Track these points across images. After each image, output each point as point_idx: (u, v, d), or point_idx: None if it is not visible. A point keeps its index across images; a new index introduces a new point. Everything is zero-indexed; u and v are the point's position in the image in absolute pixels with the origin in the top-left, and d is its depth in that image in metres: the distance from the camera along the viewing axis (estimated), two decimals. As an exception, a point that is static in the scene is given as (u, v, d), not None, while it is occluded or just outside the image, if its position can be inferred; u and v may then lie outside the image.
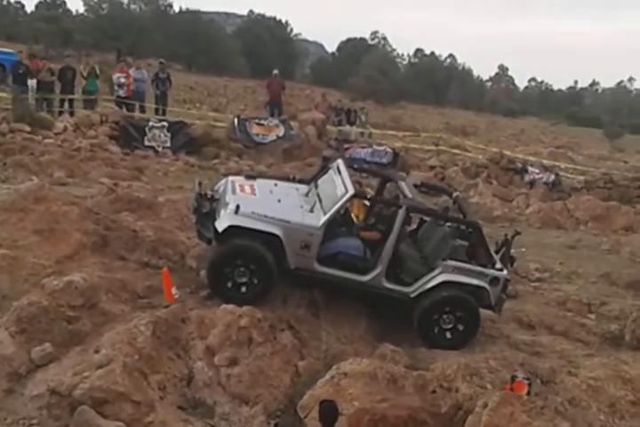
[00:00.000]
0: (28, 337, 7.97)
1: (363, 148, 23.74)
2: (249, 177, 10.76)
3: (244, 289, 9.35)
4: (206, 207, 9.93)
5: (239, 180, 10.51)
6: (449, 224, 10.34)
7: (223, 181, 10.79)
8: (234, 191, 9.93)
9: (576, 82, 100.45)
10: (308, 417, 7.65)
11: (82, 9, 60.83)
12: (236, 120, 22.81)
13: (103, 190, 12.84)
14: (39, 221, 10.01)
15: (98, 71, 23.32)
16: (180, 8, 65.04)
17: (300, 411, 7.82)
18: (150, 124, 21.14)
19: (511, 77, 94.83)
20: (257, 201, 9.71)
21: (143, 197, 12.45)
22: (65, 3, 60.29)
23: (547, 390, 8.26)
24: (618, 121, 65.97)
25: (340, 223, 10.02)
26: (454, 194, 11.15)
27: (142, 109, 23.42)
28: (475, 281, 9.68)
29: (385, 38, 78.23)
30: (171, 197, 13.12)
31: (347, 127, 26.07)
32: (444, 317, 9.67)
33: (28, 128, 18.98)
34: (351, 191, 9.55)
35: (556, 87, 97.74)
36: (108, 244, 10.30)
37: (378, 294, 9.66)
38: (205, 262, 9.78)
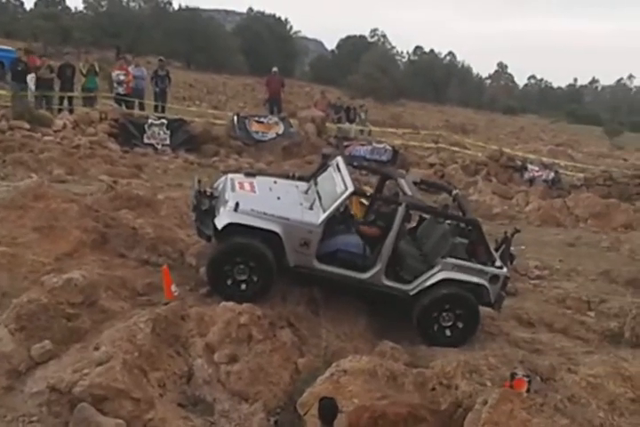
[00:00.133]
0: (28, 334, 7.97)
1: (362, 145, 23.73)
2: (248, 174, 10.75)
3: (243, 287, 9.34)
4: (206, 205, 9.92)
5: (238, 177, 10.50)
6: (448, 222, 10.34)
7: (222, 178, 10.77)
8: (233, 189, 9.92)
9: (576, 80, 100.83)
10: (307, 414, 7.67)
11: (81, 6, 61.18)
12: (235, 118, 22.78)
13: (102, 188, 12.85)
14: (38, 218, 10.01)
15: (97, 69, 23.29)
16: (180, 5, 65.37)
17: (300, 408, 7.83)
18: (149, 121, 21.10)
19: (511, 75, 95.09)
20: (256, 198, 9.70)
21: (142, 194, 12.44)
22: (64, 0, 60.38)
23: (546, 388, 8.27)
24: (617, 119, 66.07)
25: (339, 221, 10.01)
26: (454, 192, 11.15)
27: (141, 107, 23.40)
28: (474, 279, 9.67)
29: (384, 36, 78.48)
30: (170, 195, 13.11)
31: (346, 125, 26.07)
32: (444, 314, 9.66)
33: (27, 125, 18.93)
34: (350, 189, 9.54)
35: (555, 85, 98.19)
36: (107, 241, 10.29)
37: (377, 291, 9.65)
38: (205, 260, 9.77)
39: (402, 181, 10.42)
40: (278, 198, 9.79)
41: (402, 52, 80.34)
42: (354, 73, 57.46)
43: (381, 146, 23.83)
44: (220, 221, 9.25)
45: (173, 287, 9.05)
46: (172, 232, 11.04)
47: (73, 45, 42.53)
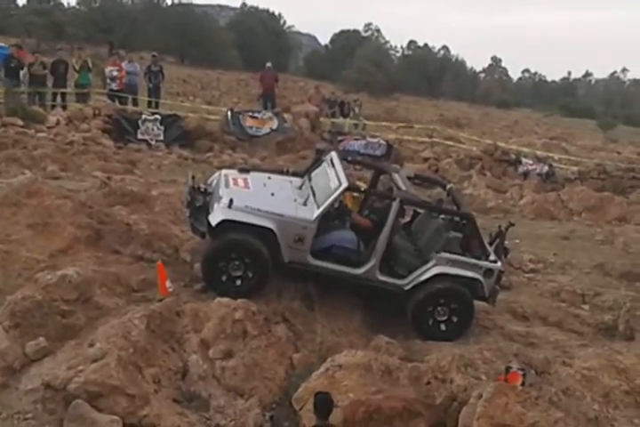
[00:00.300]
0: (23, 332, 7.95)
1: (356, 140, 23.73)
2: (242, 170, 10.73)
3: (238, 283, 9.34)
4: (199, 201, 9.89)
5: (232, 173, 10.48)
6: (443, 216, 10.35)
7: (216, 174, 10.75)
8: (227, 185, 9.91)
9: (569, 73, 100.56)
10: (303, 409, 7.67)
11: (74, 2, 60.90)
12: (229, 113, 22.79)
13: (96, 184, 12.82)
14: (32, 215, 9.98)
15: (90, 64, 23.28)
16: (173, 0, 64.97)
17: (295, 403, 7.84)
18: (143, 117, 21.10)
19: (504, 69, 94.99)
20: (250, 195, 9.68)
21: (136, 190, 12.42)
22: (57, -4, 60.12)
23: (541, 381, 8.30)
24: (611, 112, 66.16)
25: (333, 216, 10.01)
26: (448, 186, 11.16)
27: (135, 102, 23.38)
28: (469, 273, 9.69)
29: (378, 30, 78.27)
30: (164, 191, 13.08)
31: (340, 119, 26.05)
32: (439, 309, 9.68)
33: (20, 122, 18.93)
34: (345, 184, 9.53)
35: (549, 78, 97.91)
36: (101, 237, 10.27)
37: (372, 286, 9.65)
38: (200, 256, 9.77)
39: (396, 176, 10.41)
40: (272, 194, 9.78)
41: (396, 47, 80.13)
42: (348, 67, 57.32)
43: (375, 140, 23.84)
44: (215, 218, 9.23)
45: (168, 283, 9.04)
46: (167, 228, 11.03)
47: (66, 41, 42.27)
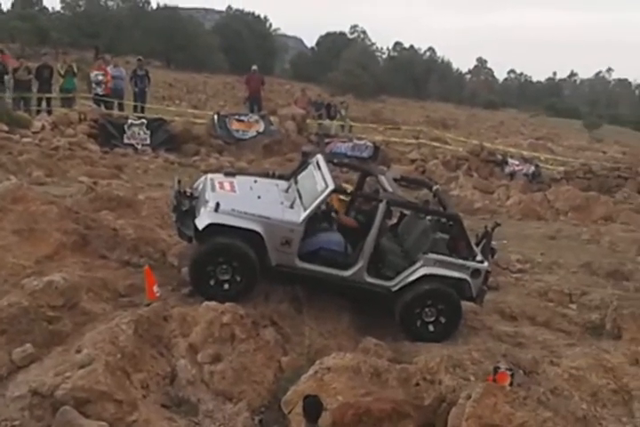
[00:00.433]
0: (9, 338, 7.93)
1: (343, 142, 23.76)
2: (228, 174, 10.73)
3: (226, 286, 9.31)
4: (186, 205, 9.89)
5: (218, 177, 10.47)
6: (429, 217, 10.37)
7: (202, 178, 10.74)
8: (213, 189, 9.89)
9: (555, 73, 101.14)
10: (292, 413, 7.68)
11: (58, 6, 60.54)
12: (215, 116, 22.77)
13: (82, 189, 12.76)
14: (18, 221, 9.92)
15: (75, 69, 23.18)
16: (158, 4, 64.90)
17: (285, 407, 7.84)
18: (129, 121, 21.04)
19: (490, 70, 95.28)
20: (237, 198, 9.67)
21: (123, 195, 12.39)
22: (41, 1, 59.93)
23: (529, 381, 8.34)
24: (596, 111, 66.54)
25: (320, 219, 10.01)
26: (434, 187, 11.18)
27: (121, 107, 23.34)
28: (456, 274, 9.71)
29: (364, 32, 78.42)
30: (151, 195, 13.06)
31: (327, 122, 26.08)
32: (426, 310, 9.69)
33: (5, 127, 18.82)
34: (331, 186, 9.53)
35: (535, 79, 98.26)
36: (88, 243, 10.22)
37: (360, 288, 9.66)
38: (187, 260, 9.75)
39: (382, 178, 10.43)
40: (259, 197, 9.77)
41: (382, 49, 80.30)
42: (334, 70, 57.36)
43: (362, 142, 23.86)
44: (201, 222, 9.21)
45: (155, 288, 9.02)
46: (154, 233, 11.01)
47: (51, 46, 42.20)
